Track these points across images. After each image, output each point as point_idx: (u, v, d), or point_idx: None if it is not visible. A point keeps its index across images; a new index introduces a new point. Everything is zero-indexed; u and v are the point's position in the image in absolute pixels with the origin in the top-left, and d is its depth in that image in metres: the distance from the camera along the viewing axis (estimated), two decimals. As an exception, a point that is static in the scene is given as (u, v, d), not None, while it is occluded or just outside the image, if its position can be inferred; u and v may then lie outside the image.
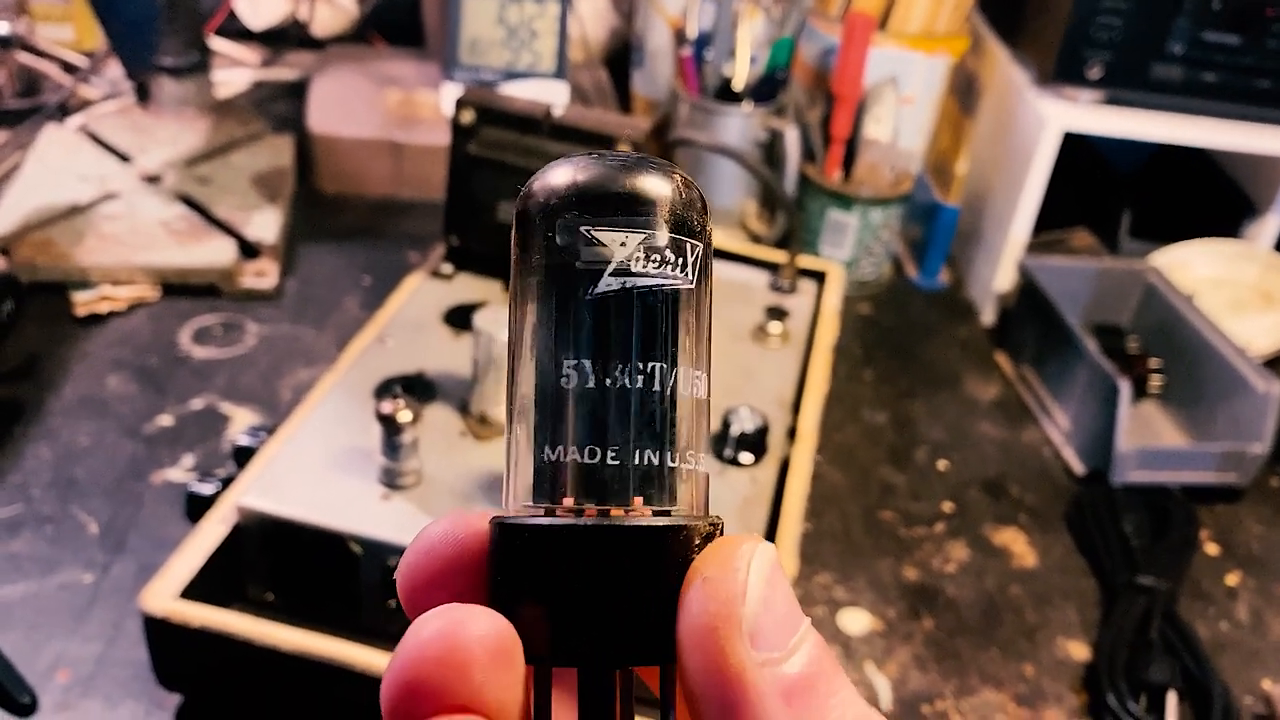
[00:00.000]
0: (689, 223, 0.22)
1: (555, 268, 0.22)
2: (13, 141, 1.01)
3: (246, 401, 0.77)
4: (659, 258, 0.22)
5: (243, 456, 0.63)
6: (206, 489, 0.60)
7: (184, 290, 0.87)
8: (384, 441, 0.57)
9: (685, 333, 0.22)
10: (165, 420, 0.75)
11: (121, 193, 0.93)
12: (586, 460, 0.21)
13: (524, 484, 0.22)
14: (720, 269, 0.83)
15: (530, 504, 0.22)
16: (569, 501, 0.22)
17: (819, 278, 0.84)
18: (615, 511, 0.21)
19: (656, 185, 0.22)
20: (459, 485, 0.59)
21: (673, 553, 0.21)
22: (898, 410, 0.87)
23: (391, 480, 0.58)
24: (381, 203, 1.04)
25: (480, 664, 0.19)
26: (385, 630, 0.59)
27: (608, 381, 0.22)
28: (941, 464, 0.82)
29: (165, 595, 0.53)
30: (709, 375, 0.23)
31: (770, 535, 0.59)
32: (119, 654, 0.59)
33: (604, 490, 0.21)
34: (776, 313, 0.76)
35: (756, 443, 0.63)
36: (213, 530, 0.57)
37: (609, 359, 0.22)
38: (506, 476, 0.23)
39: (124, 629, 0.60)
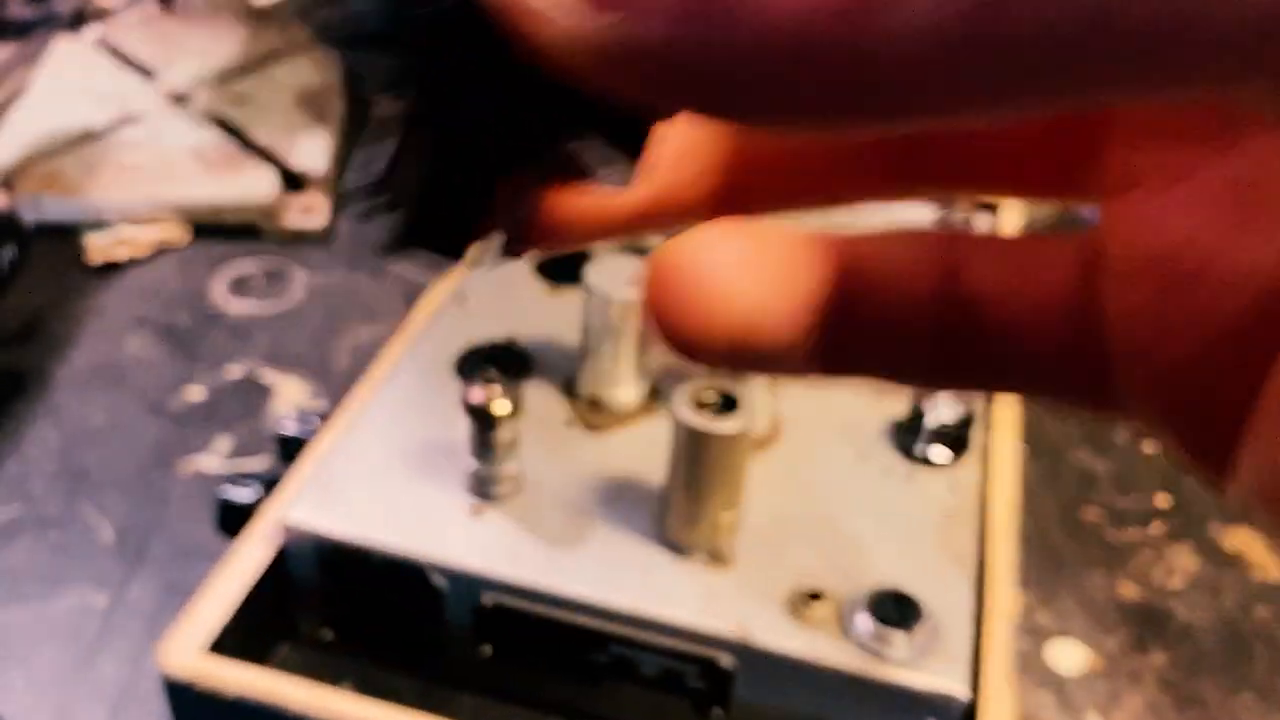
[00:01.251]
0: None
1: None
2: (19, 57, 0.87)
3: (294, 368, 0.63)
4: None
5: (289, 449, 0.49)
6: (244, 495, 0.47)
7: (218, 231, 0.73)
8: (474, 439, 0.43)
9: None
10: (195, 393, 0.61)
11: (144, 115, 0.79)
12: None
13: None
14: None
15: None
16: None
17: (987, 208, 0.67)
18: None
19: None
20: (569, 493, 0.45)
21: None
22: (1082, 375, 0.71)
23: (484, 489, 0.44)
24: (447, 125, 0.89)
25: None
26: (477, 683, 0.45)
27: None
28: (1148, 445, 0.66)
29: (190, 648, 0.40)
30: None
31: (981, 560, 0.45)
32: (142, 706, 0.46)
33: None
34: (950, 257, 0.61)
35: (956, 436, 0.48)
36: (251, 554, 0.43)
37: None
38: None
39: (143, 669, 0.47)
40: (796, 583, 0.42)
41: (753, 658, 0.40)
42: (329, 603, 0.45)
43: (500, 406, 0.42)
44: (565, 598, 0.41)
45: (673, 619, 0.40)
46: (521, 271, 0.57)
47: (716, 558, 0.42)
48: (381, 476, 0.44)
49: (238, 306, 0.68)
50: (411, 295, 0.69)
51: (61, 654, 0.48)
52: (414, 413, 0.48)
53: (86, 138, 0.76)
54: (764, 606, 0.41)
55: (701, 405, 0.40)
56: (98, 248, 0.69)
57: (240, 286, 0.69)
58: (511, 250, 0.16)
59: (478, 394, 0.42)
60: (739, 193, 0.16)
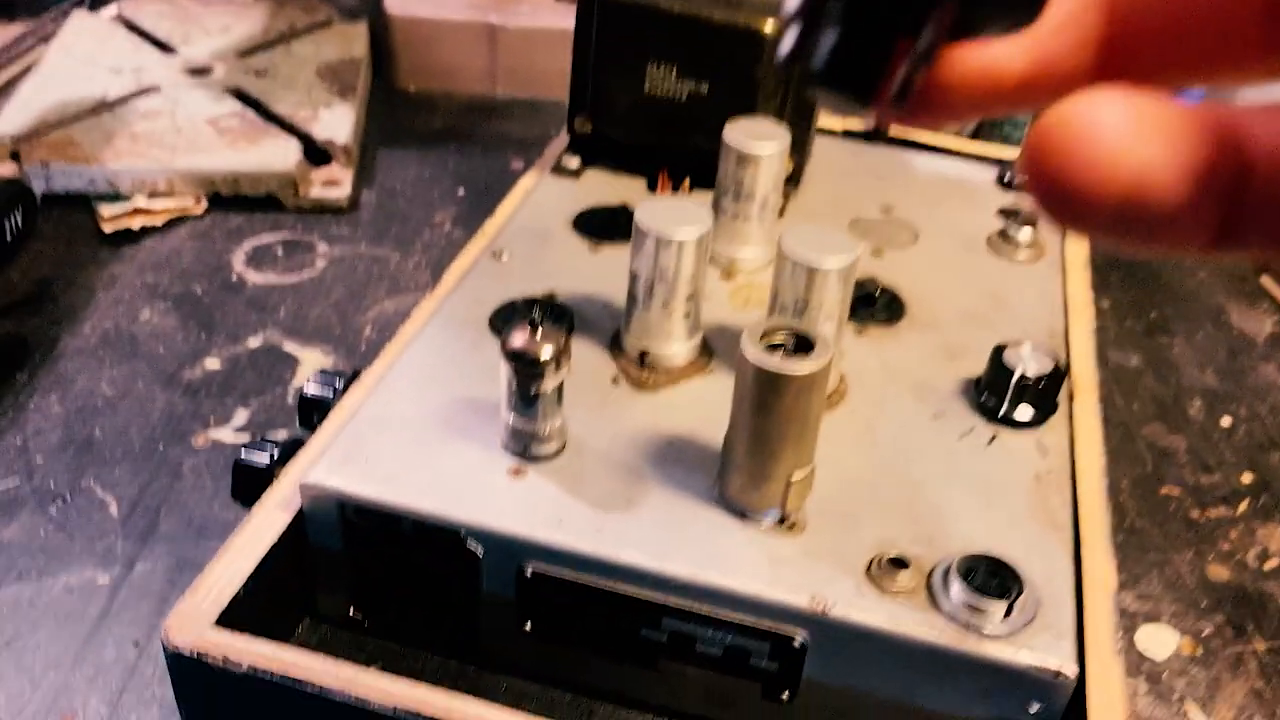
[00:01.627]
0: None
1: None
2: (34, 33, 0.84)
3: (317, 340, 0.59)
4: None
5: (311, 411, 0.45)
6: (260, 458, 0.42)
7: (236, 203, 0.69)
8: (514, 391, 0.38)
9: None
10: (212, 363, 0.57)
11: (161, 86, 0.76)
12: None
13: None
14: (928, 162, 0.63)
15: None
16: None
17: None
18: None
19: None
20: (618, 453, 0.40)
21: None
22: (1152, 350, 0.66)
23: (524, 447, 0.39)
24: (474, 102, 0.85)
25: None
26: (516, 665, 0.41)
27: None
28: (1225, 420, 0.61)
29: (198, 619, 0.36)
30: None
31: (1075, 528, 0.40)
32: (145, 692, 0.42)
33: None
34: (1019, 217, 0.56)
35: (1045, 394, 0.43)
36: (268, 520, 0.39)
37: None
38: None
39: (150, 655, 0.43)
40: (876, 550, 0.37)
41: (829, 632, 0.36)
42: (353, 575, 0.41)
43: (543, 349, 0.37)
44: (616, 564, 0.37)
45: (739, 589, 0.36)
46: (560, 228, 0.53)
47: (786, 522, 0.38)
48: (412, 436, 0.40)
49: (257, 277, 0.64)
50: (440, 269, 0.65)
51: (60, 635, 0.44)
52: (446, 370, 0.44)
53: (100, 107, 0.72)
54: (841, 575, 0.36)
55: (772, 347, 0.35)
56: (110, 216, 0.66)
57: (259, 258, 0.66)
58: (901, 104, 0.16)
59: (519, 338, 0.38)
60: (1117, 65, 0.16)
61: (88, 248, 0.65)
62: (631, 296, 0.44)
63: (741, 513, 0.38)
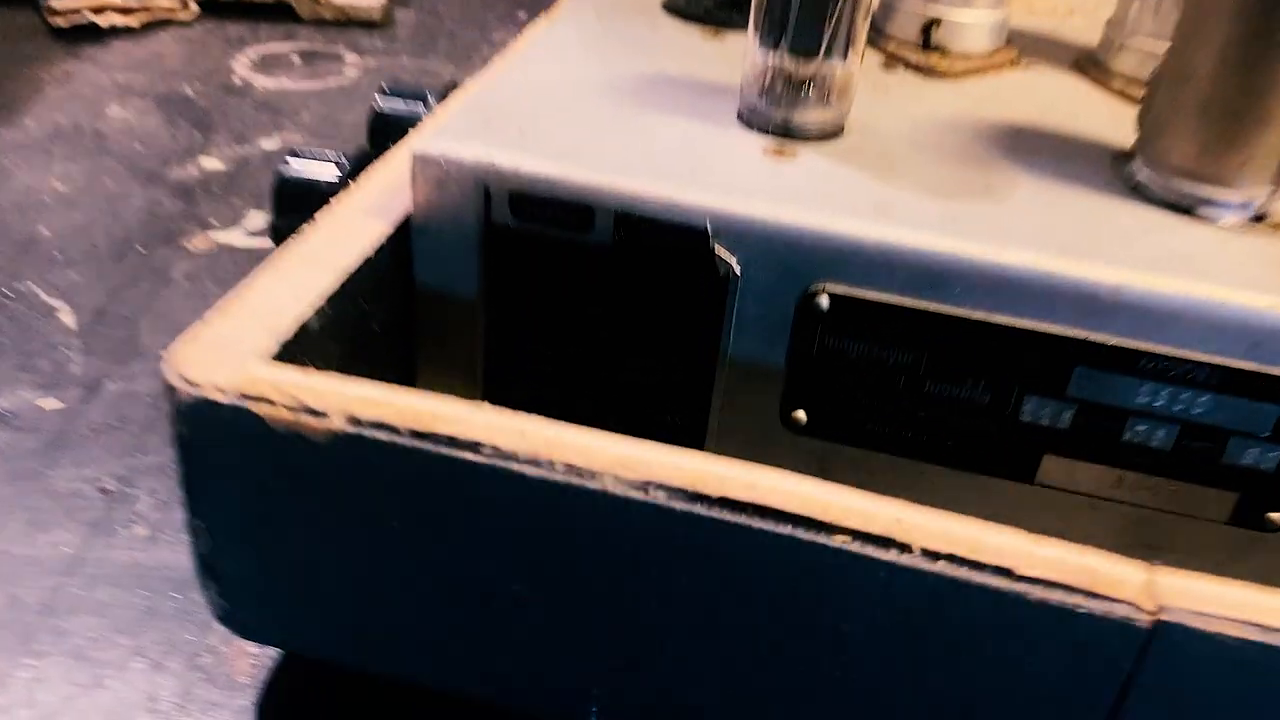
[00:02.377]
0: None
1: None
2: None
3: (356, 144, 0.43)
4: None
5: (385, 133, 0.29)
6: (321, 169, 0.26)
7: (235, 10, 0.53)
8: (784, 11, 0.22)
9: None
10: (211, 163, 0.41)
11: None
12: None
13: None
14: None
15: None
16: None
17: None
18: None
19: None
20: (931, 138, 0.24)
21: None
22: None
23: (788, 116, 0.23)
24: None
25: None
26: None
27: None
28: None
29: (237, 350, 0.19)
30: None
31: None
32: (119, 556, 0.25)
33: None
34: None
35: None
36: (351, 230, 0.22)
37: None
38: None
39: (128, 502, 0.26)
40: None
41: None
42: (489, 340, 0.24)
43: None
44: (1000, 269, 0.20)
45: (1229, 302, 0.20)
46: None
47: (1266, 219, 0.22)
48: (591, 102, 0.24)
49: (267, 82, 0.47)
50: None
51: (-21, 481, 0.26)
52: (618, 48, 0.27)
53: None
54: (1406, 280, 0.20)
55: None
56: (64, 10, 0.49)
57: (269, 65, 0.49)
58: None
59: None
60: None
61: (33, 45, 0.48)
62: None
63: (1184, 204, 0.22)
